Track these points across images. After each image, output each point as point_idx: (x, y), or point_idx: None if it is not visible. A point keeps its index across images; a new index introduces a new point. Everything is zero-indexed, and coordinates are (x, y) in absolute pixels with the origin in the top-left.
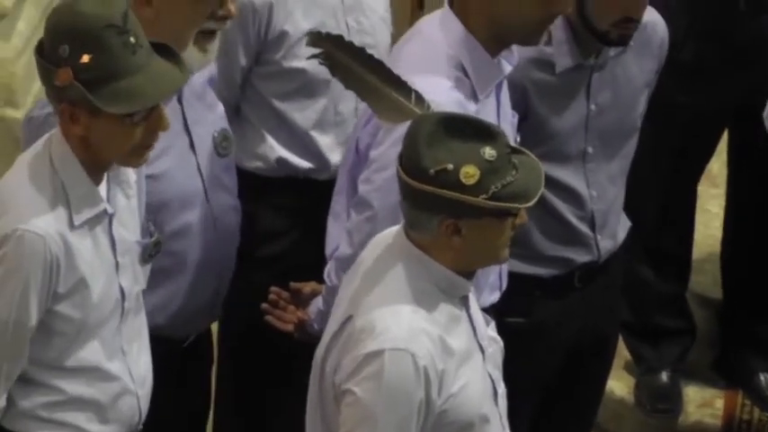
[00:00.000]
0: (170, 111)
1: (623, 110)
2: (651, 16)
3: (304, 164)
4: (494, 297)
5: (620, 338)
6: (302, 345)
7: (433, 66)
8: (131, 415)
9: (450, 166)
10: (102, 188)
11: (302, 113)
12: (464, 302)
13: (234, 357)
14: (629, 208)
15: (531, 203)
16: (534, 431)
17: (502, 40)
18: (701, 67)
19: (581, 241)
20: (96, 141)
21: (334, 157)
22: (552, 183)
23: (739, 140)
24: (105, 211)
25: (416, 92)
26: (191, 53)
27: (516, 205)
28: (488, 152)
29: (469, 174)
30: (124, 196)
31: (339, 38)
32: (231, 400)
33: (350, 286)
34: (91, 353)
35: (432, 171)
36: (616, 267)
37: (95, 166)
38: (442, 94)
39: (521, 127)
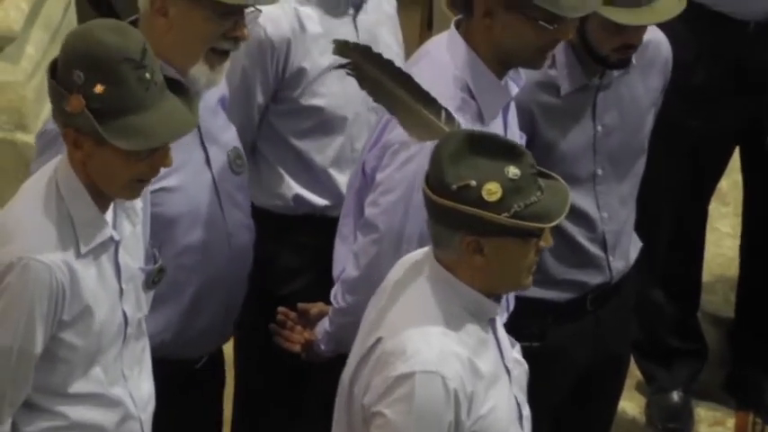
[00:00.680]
0: None
1: (630, 130)
2: (654, 35)
3: (321, 201)
4: (502, 319)
5: (632, 358)
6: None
7: (440, 88)
8: None
9: (473, 183)
10: (109, 215)
11: (320, 151)
12: (491, 325)
13: (250, 391)
14: (641, 229)
15: (553, 224)
16: None
17: (506, 63)
18: (712, 90)
19: (593, 263)
20: (94, 170)
21: None
22: None
23: (752, 160)
24: (112, 238)
25: (446, 110)
26: (199, 69)
27: (538, 225)
28: (512, 171)
29: (492, 191)
30: (130, 224)
31: (367, 48)
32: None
33: (377, 308)
34: (94, 379)
35: (454, 187)
36: (628, 288)
37: (102, 194)
38: None
39: (529, 150)
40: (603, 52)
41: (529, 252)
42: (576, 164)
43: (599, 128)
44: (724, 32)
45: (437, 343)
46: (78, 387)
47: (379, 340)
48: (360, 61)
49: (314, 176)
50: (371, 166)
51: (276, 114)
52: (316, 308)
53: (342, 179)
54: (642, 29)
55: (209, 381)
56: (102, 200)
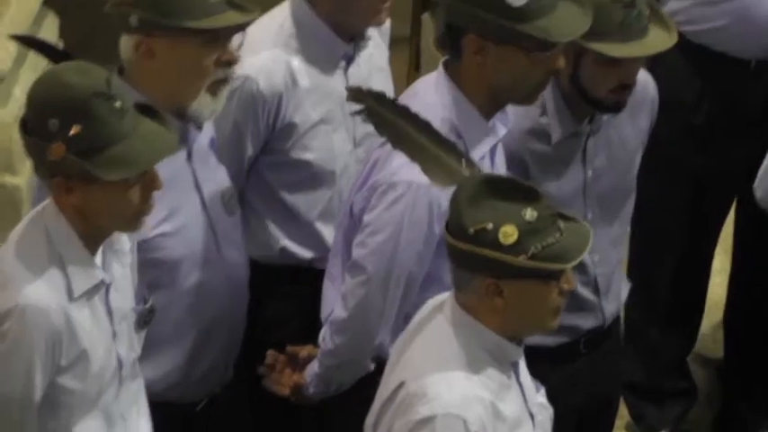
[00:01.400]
0: (180, 169)
1: (619, 172)
2: (641, 75)
3: (307, 254)
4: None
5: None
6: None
7: None
8: None
9: (490, 226)
10: (98, 257)
11: (307, 205)
12: (514, 368)
13: None
14: (641, 269)
15: (571, 264)
16: None
17: (498, 101)
18: (715, 128)
19: (586, 307)
20: (95, 211)
21: None
22: None
23: (744, 204)
24: (103, 281)
25: (467, 156)
26: (200, 102)
27: (554, 266)
28: (530, 213)
29: (508, 233)
30: (120, 265)
31: (381, 95)
32: None
33: (401, 351)
34: (93, 422)
35: (471, 230)
36: (617, 330)
37: (92, 237)
38: None
39: None
40: (599, 95)
41: (550, 294)
42: (568, 209)
43: (589, 172)
44: (726, 71)
45: (459, 386)
46: (79, 430)
47: (402, 384)
48: (374, 107)
49: (300, 229)
50: (359, 206)
51: (265, 165)
52: (305, 351)
53: (328, 232)
54: (636, 66)
55: (208, 423)
56: (91, 243)
